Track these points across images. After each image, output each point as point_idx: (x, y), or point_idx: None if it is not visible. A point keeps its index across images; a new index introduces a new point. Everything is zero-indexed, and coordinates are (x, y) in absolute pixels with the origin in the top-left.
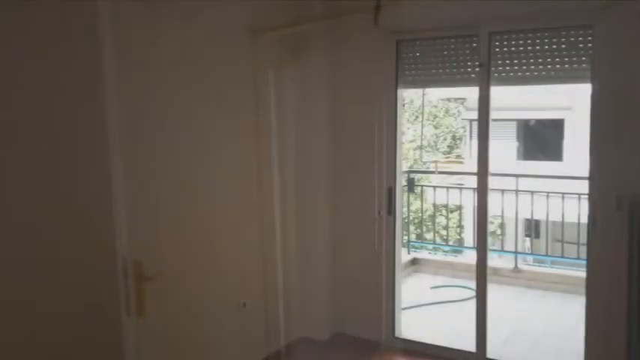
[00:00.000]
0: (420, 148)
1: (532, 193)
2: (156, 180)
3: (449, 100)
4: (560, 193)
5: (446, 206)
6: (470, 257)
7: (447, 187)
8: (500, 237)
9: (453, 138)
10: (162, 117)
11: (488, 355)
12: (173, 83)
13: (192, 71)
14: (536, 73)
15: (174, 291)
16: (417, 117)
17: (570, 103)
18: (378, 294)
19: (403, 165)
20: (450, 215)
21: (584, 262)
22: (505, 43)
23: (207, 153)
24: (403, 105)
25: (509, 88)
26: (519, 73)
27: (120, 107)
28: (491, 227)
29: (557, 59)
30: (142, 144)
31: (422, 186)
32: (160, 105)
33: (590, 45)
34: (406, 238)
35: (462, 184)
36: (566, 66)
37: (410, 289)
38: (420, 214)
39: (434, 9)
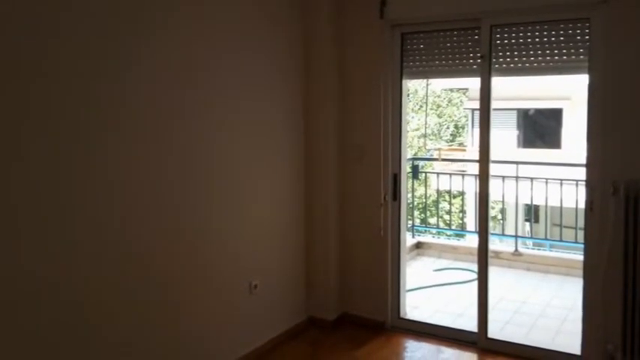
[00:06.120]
0: (424, 136)
1: (532, 179)
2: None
3: (452, 90)
4: (559, 179)
5: (449, 192)
6: (472, 241)
7: (450, 174)
8: (501, 221)
9: (456, 127)
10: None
11: (490, 335)
12: None
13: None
14: (535, 65)
15: (186, 271)
16: (421, 106)
17: (569, 93)
18: (383, 276)
19: (408, 152)
20: (453, 201)
21: (582, 246)
22: (506, 35)
23: (231, 139)
24: (408, 95)
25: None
26: (519, 65)
27: None
28: (492, 212)
29: (555, 51)
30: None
31: (426, 172)
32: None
33: (587, 37)
34: (410, 222)
35: (464, 171)
36: (565, 57)
37: (414, 272)
38: (424, 200)
39: (437, 2)
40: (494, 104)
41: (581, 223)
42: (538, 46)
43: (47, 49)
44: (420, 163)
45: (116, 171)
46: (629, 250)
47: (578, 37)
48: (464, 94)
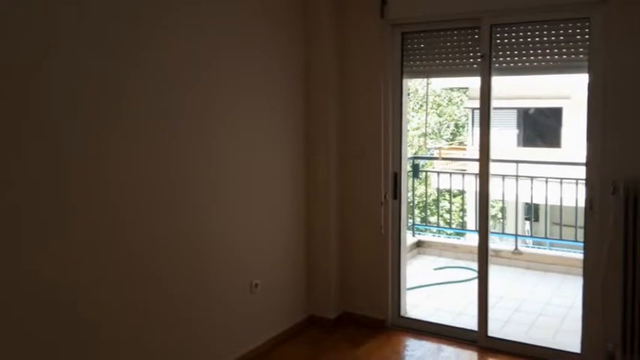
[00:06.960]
0: (425, 135)
1: (532, 178)
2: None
3: (452, 89)
4: (559, 178)
5: (449, 191)
6: (472, 240)
7: (450, 173)
8: (501, 220)
9: (456, 126)
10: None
11: (490, 334)
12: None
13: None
14: (535, 64)
15: (187, 270)
16: (421, 106)
17: (569, 92)
18: (384, 275)
19: (408, 151)
20: (453, 199)
21: (582, 245)
22: (506, 35)
23: (231, 138)
24: (408, 94)
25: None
26: (519, 64)
27: None
28: (492, 211)
29: (555, 50)
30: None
31: (426, 171)
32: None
33: (587, 37)
34: (411, 221)
35: (464, 170)
36: (564, 57)
37: (415, 271)
38: (424, 199)
39: (437, 2)
40: (494, 103)
41: (580, 221)
42: (538, 45)
43: (47, 49)
44: (421, 162)
45: (116, 171)
46: (629, 249)
47: (578, 37)
48: (464, 93)
